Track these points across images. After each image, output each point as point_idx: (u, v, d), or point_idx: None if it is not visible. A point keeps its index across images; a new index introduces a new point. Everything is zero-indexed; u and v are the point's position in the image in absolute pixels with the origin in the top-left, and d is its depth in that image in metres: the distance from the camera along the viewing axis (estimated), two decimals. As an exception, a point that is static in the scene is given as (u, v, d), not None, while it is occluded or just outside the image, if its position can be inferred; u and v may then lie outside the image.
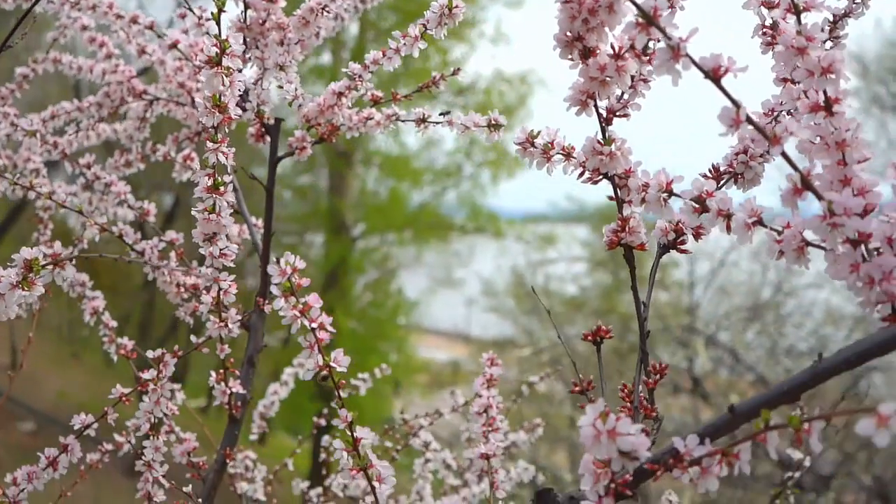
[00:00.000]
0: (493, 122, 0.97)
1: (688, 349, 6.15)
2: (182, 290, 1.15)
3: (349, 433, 0.75)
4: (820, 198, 0.59)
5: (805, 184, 0.60)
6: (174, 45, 1.14)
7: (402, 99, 1.13)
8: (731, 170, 0.80)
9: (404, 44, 1.01)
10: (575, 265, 11.17)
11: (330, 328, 0.73)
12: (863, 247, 0.61)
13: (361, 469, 0.75)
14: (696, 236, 0.78)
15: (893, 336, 0.56)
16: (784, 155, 0.59)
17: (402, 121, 1.10)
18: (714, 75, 0.59)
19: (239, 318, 1.02)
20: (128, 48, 1.25)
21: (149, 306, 10.35)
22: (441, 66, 11.92)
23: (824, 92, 0.62)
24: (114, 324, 1.20)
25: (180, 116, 1.33)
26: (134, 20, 1.20)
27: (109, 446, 1.24)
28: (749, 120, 0.58)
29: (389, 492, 0.77)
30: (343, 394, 0.76)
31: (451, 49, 11.98)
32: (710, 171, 0.81)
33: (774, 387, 0.59)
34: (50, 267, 0.76)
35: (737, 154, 0.80)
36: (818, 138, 0.64)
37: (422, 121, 1.07)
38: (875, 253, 0.61)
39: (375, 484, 0.75)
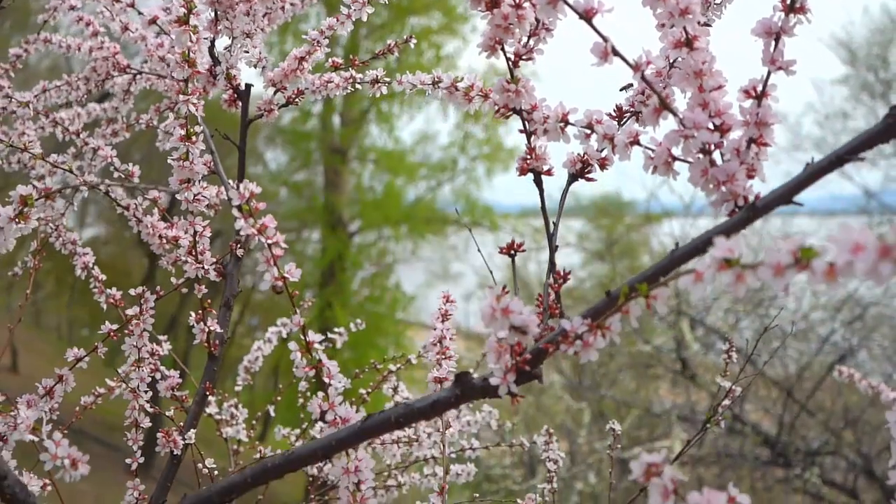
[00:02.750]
0: (436, 79, 1.09)
1: (674, 331, 6.28)
2: (164, 241, 1.27)
3: (302, 337, 0.87)
4: (675, 115, 0.72)
5: (663, 104, 0.72)
6: (153, 21, 1.25)
7: (360, 65, 1.25)
8: (632, 109, 0.92)
9: (354, 9, 1.14)
10: (571, 257, 11.30)
11: (283, 244, 0.84)
12: (718, 156, 0.73)
13: (313, 367, 0.87)
14: (602, 166, 0.90)
15: (733, 224, 0.69)
16: (644, 79, 0.72)
17: (359, 83, 1.22)
18: (587, 16, 0.71)
19: (214, 260, 1.15)
20: (111, 25, 1.38)
21: (148, 303, 10.41)
22: (435, 61, 12.06)
23: (685, 30, 0.75)
24: (103, 277, 1.32)
25: (162, 89, 1.45)
26: (116, -1, 1.32)
27: (102, 390, 1.36)
28: (615, 52, 0.71)
29: (341, 389, 0.88)
30: (295, 304, 0.88)
31: (445, 44, 12.12)
32: (614, 109, 0.93)
33: (641, 272, 0.71)
34: (42, 200, 0.88)
35: (637, 94, 0.92)
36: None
37: (375, 81, 1.19)
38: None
39: (326, 380, 0.87)
